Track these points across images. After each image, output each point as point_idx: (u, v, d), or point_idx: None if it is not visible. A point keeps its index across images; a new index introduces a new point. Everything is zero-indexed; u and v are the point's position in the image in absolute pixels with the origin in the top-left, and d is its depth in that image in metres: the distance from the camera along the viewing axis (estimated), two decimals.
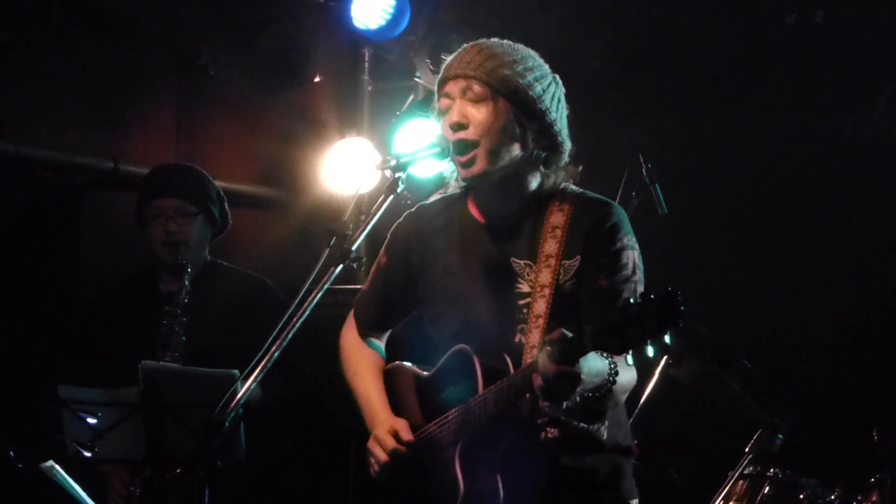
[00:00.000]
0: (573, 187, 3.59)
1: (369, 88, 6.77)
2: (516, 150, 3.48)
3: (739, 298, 6.34)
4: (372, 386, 3.76)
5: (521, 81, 3.45)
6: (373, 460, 3.60)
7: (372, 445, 3.60)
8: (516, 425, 3.38)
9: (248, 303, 5.13)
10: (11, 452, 4.27)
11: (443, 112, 3.51)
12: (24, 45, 6.12)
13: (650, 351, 2.84)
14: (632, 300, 2.87)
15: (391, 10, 6.32)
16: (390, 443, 3.55)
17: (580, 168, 3.62)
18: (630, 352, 2.92)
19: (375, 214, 3.37)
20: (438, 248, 3.66)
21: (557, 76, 3.58)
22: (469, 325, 3.54)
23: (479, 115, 3.44)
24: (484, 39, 3.55)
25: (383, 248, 3.82)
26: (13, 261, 6.20)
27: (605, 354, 3.12)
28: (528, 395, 3.28)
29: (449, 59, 3.55)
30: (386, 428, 3.59)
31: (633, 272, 3.44)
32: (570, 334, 3.01)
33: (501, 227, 3.58)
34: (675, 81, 6.58)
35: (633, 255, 3.46)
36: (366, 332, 3.90)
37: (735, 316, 6.12)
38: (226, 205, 5.28)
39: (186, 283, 5.02)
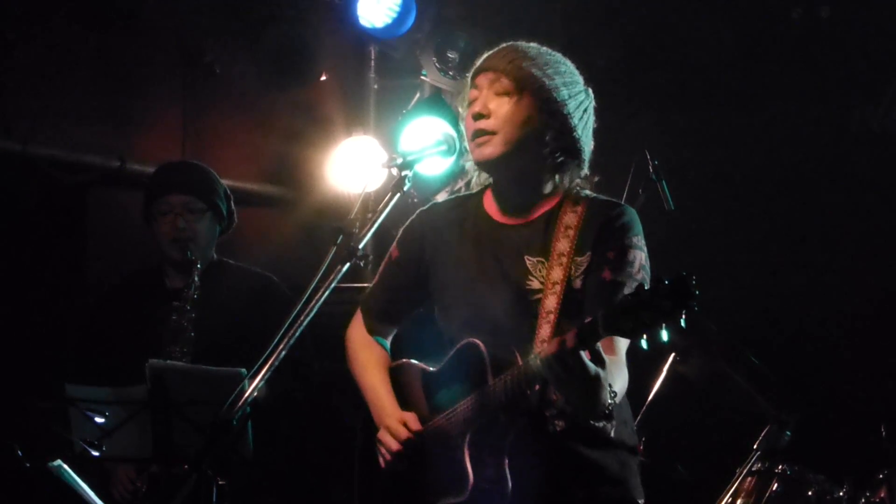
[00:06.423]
0: (587, 191, 3.65)
1: (375, 86, 6.76)
2: (532, 145, 3.53)
3: (747, 294, 6.33)
4: (379, 380, 3.80)
5: (547, 81, 3.52)
6: (384, 450, 3.64)
7: (383, 436, 3.64)
8: (524, 416, 3.41)
9: (255, 299, 5.13)
10: (19, 451, 4.27)
11: (470, 102, 3.59)
12: (30, 43, 6.13)
13: (664, 335, 2.84)
14: (645, 285, 3.00)
15: (397, 8, 6.31)
16: (402, 433, 3.59)
17: (597, 178, 3.68)
18: (644, 336, 2.94)
19: (382, 212, 3.43)
20: (452, 241, 3.70)
21: (590, 90, 3.65)
22: (479, 317, 3.57)
23: (501, 108, 3.53)
24: (523, 42, 3.62)
25: (395, 243, 3.86)
26: (20, 259, 6.21)
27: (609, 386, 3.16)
28: (538, 386, 3.32)
29: (485, 54, 3.63)
30: (396, 418, 3.64)
31: (638, 271, 3.48)
32: (588, 319, 3.05)
33: (516, 225, 3.62)
34: (682, 77, 6.58)
35: (640, 256, 3.51)
36: (373, 327, 3.93)
37: (742, 312, 6.11)
38: (232, 203, 5.29)
39: (195, 278, 5.01)
